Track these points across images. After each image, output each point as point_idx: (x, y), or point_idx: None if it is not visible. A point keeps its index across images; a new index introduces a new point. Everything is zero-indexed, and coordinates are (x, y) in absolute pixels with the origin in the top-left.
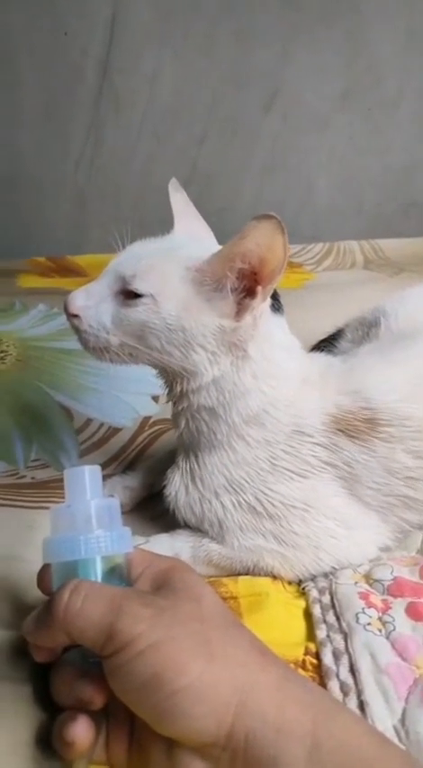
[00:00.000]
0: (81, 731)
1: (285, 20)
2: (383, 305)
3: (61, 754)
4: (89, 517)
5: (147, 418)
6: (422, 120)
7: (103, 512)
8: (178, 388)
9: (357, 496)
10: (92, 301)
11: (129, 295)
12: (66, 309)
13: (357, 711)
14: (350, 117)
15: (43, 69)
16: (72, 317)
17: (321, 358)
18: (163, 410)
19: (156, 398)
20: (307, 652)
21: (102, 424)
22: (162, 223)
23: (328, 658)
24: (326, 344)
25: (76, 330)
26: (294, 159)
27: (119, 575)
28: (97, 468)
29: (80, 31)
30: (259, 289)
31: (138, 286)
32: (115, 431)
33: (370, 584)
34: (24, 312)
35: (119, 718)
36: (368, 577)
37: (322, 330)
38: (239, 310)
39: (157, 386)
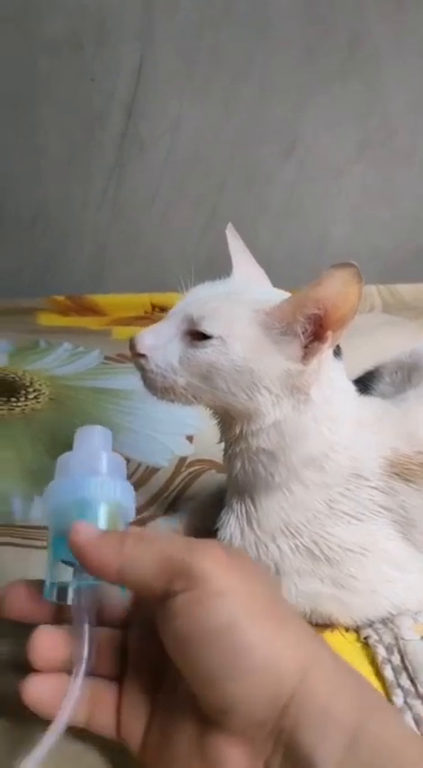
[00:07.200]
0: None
1: (303, 74)
2: (420, 349)
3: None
4: (98, 465)
5: (183, 459)
6: None
7: (113, 463)
8: (237, 430)
9: (410, 540)
10: (160, 341)
11: (196, 336)
12: (132, 349)
13: None
14: (365, 167)
15: (68, 113)
16: (138, 356)
17: (374, 402)
18: (198, 451)
19: (190, 438)
20: None
21: (139, 464)
22: (177, 262)
23: (410, 724)
24: (357, 386)
25: (142, 370)
26: (311, 206)
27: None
28: (109, 431)
29: (107, 77)
30: (329, 333)
31: (207, 327)
32: (153, 471)
33: None
34: (50, 350)
35: (136, 689)
36: None
37: (350, 372)
38: (306, 354)
39: (192, 426)
